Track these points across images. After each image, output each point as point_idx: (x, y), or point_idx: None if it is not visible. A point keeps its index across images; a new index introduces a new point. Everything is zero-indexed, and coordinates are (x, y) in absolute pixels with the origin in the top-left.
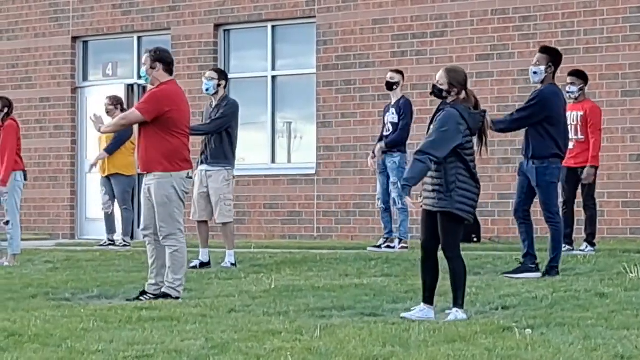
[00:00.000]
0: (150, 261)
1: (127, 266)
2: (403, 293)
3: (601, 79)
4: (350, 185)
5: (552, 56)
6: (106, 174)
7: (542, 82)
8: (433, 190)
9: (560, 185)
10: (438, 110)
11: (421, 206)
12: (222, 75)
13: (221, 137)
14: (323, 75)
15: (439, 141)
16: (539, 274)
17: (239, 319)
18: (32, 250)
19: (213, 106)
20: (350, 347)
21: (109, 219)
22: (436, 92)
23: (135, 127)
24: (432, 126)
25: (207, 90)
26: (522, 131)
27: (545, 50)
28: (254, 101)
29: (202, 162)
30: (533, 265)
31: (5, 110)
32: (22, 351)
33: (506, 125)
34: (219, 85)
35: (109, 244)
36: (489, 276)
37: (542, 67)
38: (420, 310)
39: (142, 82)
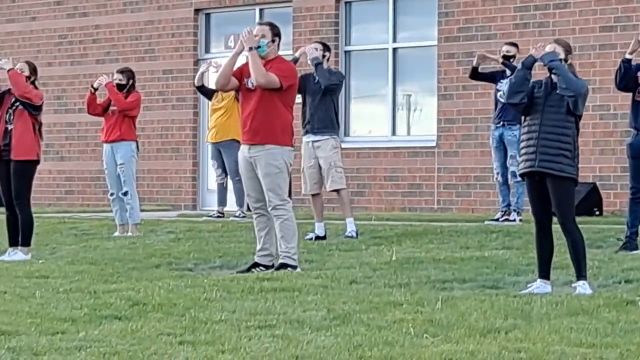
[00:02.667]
0: (262, 233)
1: (248, 237)
2: (524, 266)
3: None
4: (471, 158)
5: None
6: (224, 139)
7: None
8: (559, 155)
9: None
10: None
11: (532, 169)
12: (326, 47)
13: (326, 106)
14: (444, 47)
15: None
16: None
17: (360, 291)
18: (155, 221)
19: (317, 78)
20: (471, 320)
21: (222, 190)
22: None
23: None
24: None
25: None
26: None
27: None
28: (375, 73)
29: (307, 132)
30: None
31: (130, 82)
32: (146, 320)
33: None
34: (323, 56)
35: (218, 216)
36: (612, 250)
37: None
38: (537, 287)
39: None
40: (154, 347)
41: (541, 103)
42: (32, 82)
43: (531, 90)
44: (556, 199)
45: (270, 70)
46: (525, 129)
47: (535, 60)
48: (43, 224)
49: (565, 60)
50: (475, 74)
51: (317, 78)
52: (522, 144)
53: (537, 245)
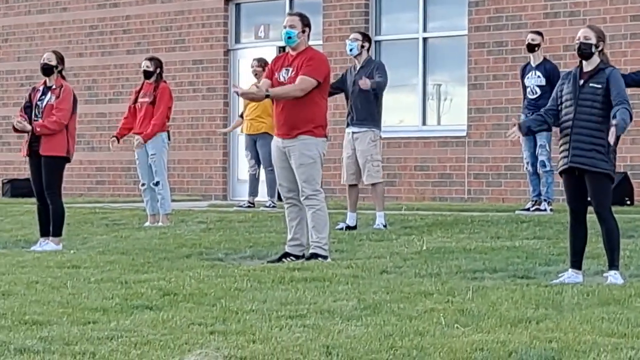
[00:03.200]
0: (293, 223)
1: (278, 227)
2: (555, 255)
3: None
4: (502, 148)
5: None
6: (260, 131)
7: None
8: (592, 150)
9: None
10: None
11: (568, 167)
12: (366, 38)
13: (368, 98)
14: (474, 36)
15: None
16: None
17: (390, 280)
18: (186, 211)
19: (357, 69)
20: (502, 309)
21: (254, 181)
22: (585, 49)
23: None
24: (612, 85)
25: (350, 50)
26: None
27: None
28: (405, 63)
29: (348, 124)
30: None
31: (158, 70)
32: (177, 310)
33: None
34: (362, 47)
35: (248, 206)
36: None
37: None
38: (568, 277)
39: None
40: (185, 336)
41: (573, 98)
42: (60, 72)
43: (561, 89)
44: (592, 190)
45: (301, 65)
46: (562, 125)
47: (530, 126)
48: (74, 214)
49: (597, 47)
50: None
51: (357, 70)
52: (560, 141)
53: (571, 235)
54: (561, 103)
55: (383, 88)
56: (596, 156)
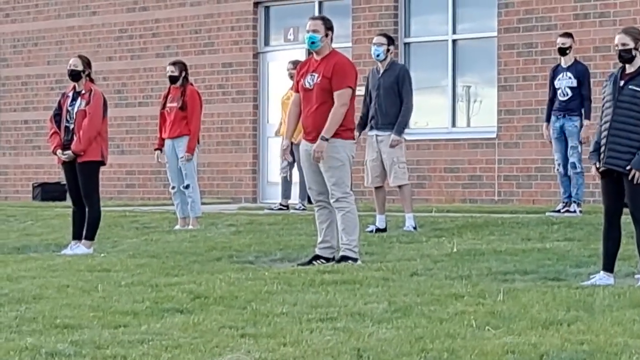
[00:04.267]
0: (323, 225)
1: (309, 229)
2: (586, 257)
3: None
4: (532, 149)
5: None
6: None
7: None
8: (628, 152)
9: None
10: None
11: (604, 168)
12: (391, 40)
13: (391, 102)
14: (504, 38)
15: None
16: None
17: (421, 283)
18: (216, 214)
19: (381, 72)
20: (533, 311)
21: (286, 183)
22: (625, 55)
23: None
24: None
25: (377, 56)
26: None
27: None
28: (435, 65)
29: (372, 128)
30: None
31: (183, 74)
32: (208, 313)
33: None
34: (387, 51)
35: (280, 208)
36: None
37: None
38: (600, 279)
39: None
40: (216, 339)
41: (612, 99)
42: (88, 75)
43: (603, 90)
44: (629, 192)
45: (327, 71)
46: (602, 127)
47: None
48: (104, 217)
49: (636, 49)
50: None
51: (380, 72)
52: (601, 142)
53: (605, 238)
54: (603, 105)
55: (409, 113)
56: (631, 158)
